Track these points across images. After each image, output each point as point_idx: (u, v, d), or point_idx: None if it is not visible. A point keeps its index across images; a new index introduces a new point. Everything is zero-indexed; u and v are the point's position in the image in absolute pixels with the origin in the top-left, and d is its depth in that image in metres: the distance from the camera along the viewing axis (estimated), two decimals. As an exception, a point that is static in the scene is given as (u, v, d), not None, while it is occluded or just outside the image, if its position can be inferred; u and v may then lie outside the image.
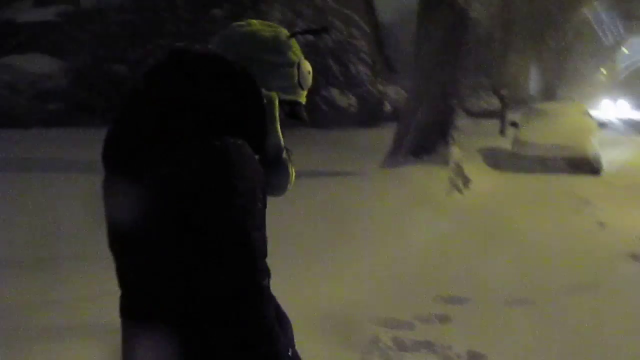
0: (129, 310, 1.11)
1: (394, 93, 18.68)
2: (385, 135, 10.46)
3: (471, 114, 29.09)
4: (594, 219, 6.88)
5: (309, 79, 1.26)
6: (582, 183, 9.62)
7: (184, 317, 1.02)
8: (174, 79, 1.07)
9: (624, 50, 45.57)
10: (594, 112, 32.99)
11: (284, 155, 1.21)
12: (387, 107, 18.25)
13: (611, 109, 50.53)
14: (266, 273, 1.04)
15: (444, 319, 3.90)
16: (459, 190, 8.44)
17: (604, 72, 63.51)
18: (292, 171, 1.23)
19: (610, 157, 12.43)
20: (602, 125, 12.37)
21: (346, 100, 15.82)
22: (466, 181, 8.90)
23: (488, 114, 25.20)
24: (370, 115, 16.77)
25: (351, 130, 15.32)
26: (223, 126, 1.04)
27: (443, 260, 5.22)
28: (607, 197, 8.31)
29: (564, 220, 6.90)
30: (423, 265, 5.02)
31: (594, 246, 5.75)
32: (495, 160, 12.29)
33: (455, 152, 8.93)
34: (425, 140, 8.80)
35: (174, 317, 1.02)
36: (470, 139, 16.63)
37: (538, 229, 6.38)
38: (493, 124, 19.51)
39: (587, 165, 10.57)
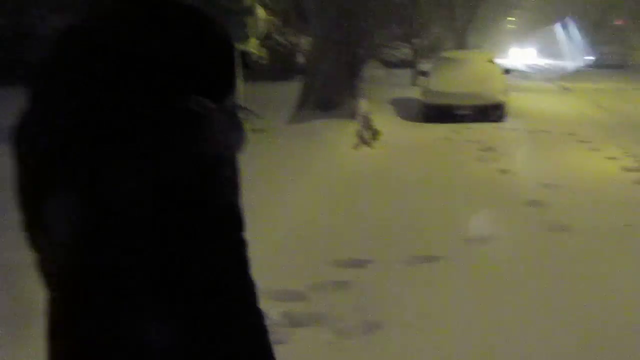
0: (89, 285, 0.96)
1: (307, 44, 18.09)
2: (296, 89, 10.04)
3: (385, 63, 29.14)
4: (497, 167, 6.87)
5: (263, 27, 0.99)
6: (488, 130, 9.70)
7: (163, 292, 0.93)
8: (139, 29, 0.92)
9: (530, -2, 46.99)
10: (502, 60, 34.15)
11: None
12: (300, 59, 17.70)
13: (519, 56, 52.73)
14: (247, 244, 0.98)
15: (340, 286, 3.64)
16: (367, 144, 8.23)
17: (513, 19, 65.76)
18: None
19: (516, 103, 12.70)
20: (508, 72, 12.53)
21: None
22: (375, 133, 8.70)
23: (402, 64, 25.31)
24: (281, 68, 16.18)
25: (261, 85, 14.70)
26: (194, 85, 0.93)
27: (344, 220, 4.96)
28: (510, 144, 8.40)
29: (469, 169, 6.85)
30: (323, 227, 4.75)
31: (496, 194, 5.71)
32: (406, 110, 12.23)
33: (363, 104, 8.66)
34: (333, 93, 8.46)
35: (152, 292, 0.93)
36: (383, 89, 16.60)
37: (442, 180, 6.28)
38: (407, 74, 19.53)
39: (493, 113, 10.68)
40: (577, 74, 26.79)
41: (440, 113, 10.84)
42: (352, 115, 8.36)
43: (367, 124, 8.53)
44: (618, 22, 48.44)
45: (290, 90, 11.50)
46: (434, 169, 6.86)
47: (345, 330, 3.08)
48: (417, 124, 10.74)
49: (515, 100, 13.06)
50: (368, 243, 4.41)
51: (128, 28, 0.93)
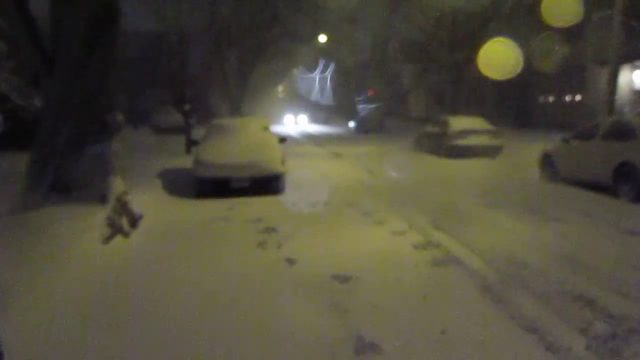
0: None
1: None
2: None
3: (157, 130, 27.37)
4: (282, 254, 5.75)
5: None
6: (268, 205, 8.69)
7: None
8: None
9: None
10: (278, 127, 34.72)
11: None
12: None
13: (293, 123, 55.36)
14: None
15: None
16: (124, 234, 6.48)
17: (281, 89, 69.62)
18: None
19: (293, 172, 12.11)
20: (284, 140, 11.91)
21: (-15, 119, 12.23)
22: (134, 219, 7.00)
23: (176, 130, 23.82)
24: (23, 136, 13.35)
25: (-6, 157, 11.91)
26: None
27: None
28: (293, 222, 7.42)
29: (249, 261, 5.59)
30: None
31: (286, 299, 4.49)
32: (177, 184, 10.72)
33: (117, 182, 6.91)
34: (75, 170, 6.58)
35: None
36: (153, 159, 14.83)
37: (215, 283, 4.88)
38: (181, 141, 18.05)
39: (272, 184, 9.79)
40: (344, 139, 28.35)
41: (215, 187, 9.57)
42: (102, 197, 6.55)
43: (124, 208, 6.79)
44: (370, 93, 54.42)
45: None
46: (206, 264, 5.41)
47: None
48: (190, 200, 9.27)
49: (292, 169, 12.51)
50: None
51: None
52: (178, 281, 4.91)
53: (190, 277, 5.03)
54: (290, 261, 5.51)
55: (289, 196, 9.58)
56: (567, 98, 24.69)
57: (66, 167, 6.52)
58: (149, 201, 8.68)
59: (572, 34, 21.72)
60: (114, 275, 5.03)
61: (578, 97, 23.70)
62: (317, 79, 59.28)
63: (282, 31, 30.56)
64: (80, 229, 5.84)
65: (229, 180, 9.56)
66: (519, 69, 22.58)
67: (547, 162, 11.70)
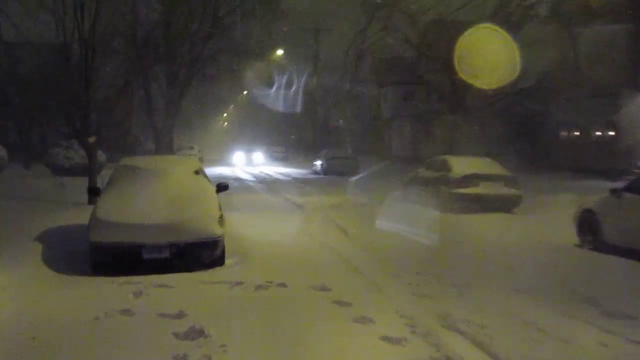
0: None
1: None
2: None
3: (56, 170, 25.89)
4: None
5: None
6: (195, 288, 7.42)
7: None
8: None
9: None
10: (224, 169, 33.43)
11: None
12: None
13: (243, 161, 54.20)
14: None
15: None
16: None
17: (226, 119, 69.04)
18: None
19: (236, 233, 10.95)
20: (224, 188, 10.75)
21: None
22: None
23: (83, 171, 22.46)
24: None
25: None
26: None
27: None
28: (232, 320, 6.23)
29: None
30: None
31: None
32: (65, 254, 9.38)
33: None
34: None
35: None
36: (39, 213, 13.46)
37: None
38: (85, 186, 16.69)
39: (205, 254, 8.57)
40: (308, 184, 27.47)
41: (119, 258, 8.27)
42: None
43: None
44: (334, 124, 54.13)
45: None
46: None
47: None
48: (81, 279, 7.92)
49: (236, 228, 11.37)
50: None
51: None
52: None
53: None
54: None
55: (229, 273, 8.36)
56: (596, 133, 24.49)
57: None
58: (16, 283, 7.38)
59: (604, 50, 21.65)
60: None
61: (610, 132, 23.50)
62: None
63: (226, 45, 29.85)
64: None
65: (139, 247, 8.28)
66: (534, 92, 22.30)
67: (589, 222, 10.88)
